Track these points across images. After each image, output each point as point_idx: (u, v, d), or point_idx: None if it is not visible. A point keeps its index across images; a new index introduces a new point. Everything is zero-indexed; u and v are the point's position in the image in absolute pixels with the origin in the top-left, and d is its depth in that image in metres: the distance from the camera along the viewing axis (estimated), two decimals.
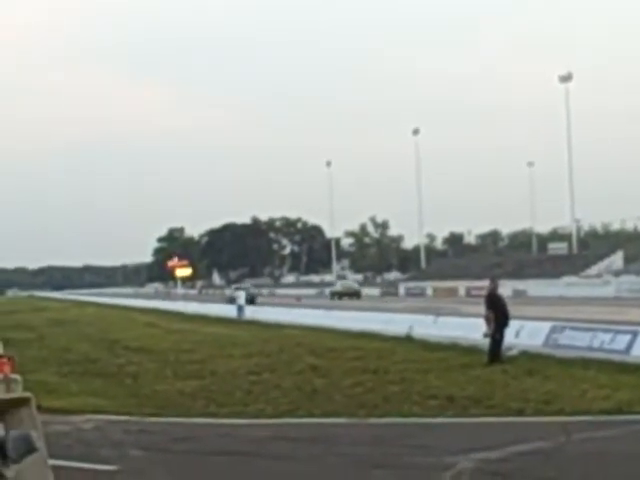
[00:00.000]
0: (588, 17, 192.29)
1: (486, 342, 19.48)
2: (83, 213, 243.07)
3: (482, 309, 20.02)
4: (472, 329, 22.44)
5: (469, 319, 26.17)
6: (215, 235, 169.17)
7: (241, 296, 48.06)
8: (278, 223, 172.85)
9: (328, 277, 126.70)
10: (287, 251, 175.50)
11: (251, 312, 44.61)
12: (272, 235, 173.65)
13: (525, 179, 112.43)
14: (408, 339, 25.29)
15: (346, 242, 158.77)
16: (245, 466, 10.39)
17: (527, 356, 19.47)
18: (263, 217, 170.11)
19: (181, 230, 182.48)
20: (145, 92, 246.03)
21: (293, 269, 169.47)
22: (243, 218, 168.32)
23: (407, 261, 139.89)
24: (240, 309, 45.79)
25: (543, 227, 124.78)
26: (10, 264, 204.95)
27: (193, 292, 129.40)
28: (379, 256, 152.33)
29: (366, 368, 19.11)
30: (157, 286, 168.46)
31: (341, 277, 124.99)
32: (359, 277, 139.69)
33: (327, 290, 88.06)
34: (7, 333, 28.56)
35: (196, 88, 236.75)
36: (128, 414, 14.19)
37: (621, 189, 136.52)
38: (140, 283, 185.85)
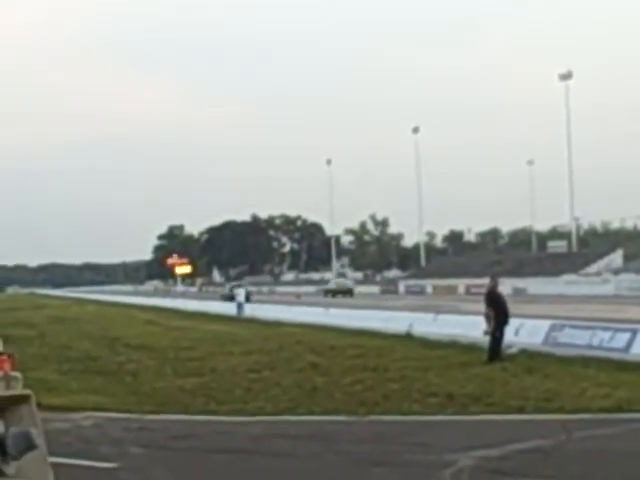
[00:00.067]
0: (588, 16, 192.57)
1: (486, 340, 19.48)
2: (83, 211, 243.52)
3: (482, 307, 20.02)
4: (472, 327, 22.43)
5: (469, 317, 26.16)
6: (215, 233, 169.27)
7: (241, 294, 48.07)
8: (278, 221, 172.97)
9: (328, 275, 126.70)
10: (287, 249, 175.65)
11: (251, 310, 44.61)
12: (272, 233, 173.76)
13: (525, 177, 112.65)
14: (408, 337, 25.29)
15: (346, 240, 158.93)
16: (245, 463, 10.39)
17: (527, 354, 19.46)
18: (263, 215, 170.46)
19: (181, 228, 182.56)
20: (146, 91, 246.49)
21: (293, 267, 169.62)
22: (243, 216, 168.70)
23: (407, 259, 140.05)
24: (240, 307, 45.79)
25: (543, 225, 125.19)
26: (11, 261, 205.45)
27: (193, 290, 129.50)
28: (379, 254, 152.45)
29: (366, 366, 19.11)
30: (157, 284, 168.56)
31: (341, 275, 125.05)
32: (359, 275, 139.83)
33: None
34: (7, 330, 28.56)
35: (196, 87, 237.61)
36: (128, 411, 14.19)
37: (621, 188, 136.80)
38: (140, 281, 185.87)
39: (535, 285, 68.09)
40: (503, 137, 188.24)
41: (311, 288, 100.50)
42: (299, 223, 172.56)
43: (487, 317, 19.41)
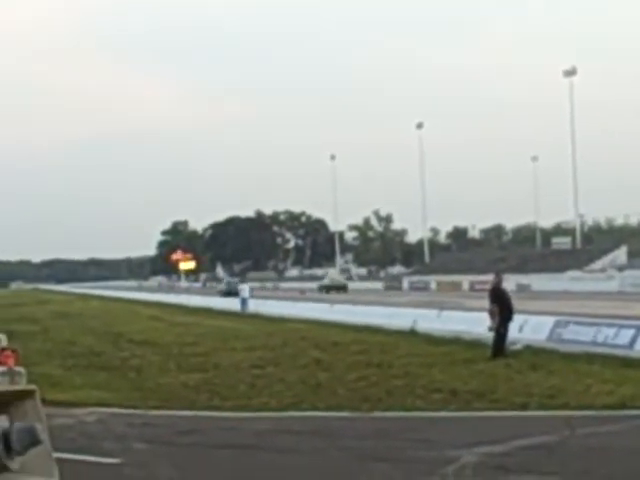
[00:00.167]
0: (592, 11, 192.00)
1: (490, 336, 19.46)
2: (87, 207, 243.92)
3: (486, 303, 20.00)
4: (476, 323, 22.43)
5: (473, 313, 26.15)
6: (219, 228, 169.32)
7: (245, 289, 48.09)
8: (282, 217, 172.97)
9: (331, 271, 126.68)
10: (291, 245, 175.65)
11: (255, 305, 44.63)
12: (276, 229, 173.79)
13: (529, 174, 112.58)
14: (412, 333, 25.29)
15: (350, 236, 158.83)
16: (249, 459, 10.40)
17: (531, 350, 19.46)
18: (267, 211, 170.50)
19: (185, 223, 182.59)
20: (149, 88, 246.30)
21: (297, 263, 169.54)
22: (247, 212, 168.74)
23: (411, 255, 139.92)
24: (244, 302, 45.79)
25: (547, 222, 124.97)
26: (14, 257, 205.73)
27: (197, 285, 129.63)
28: (383, 250, 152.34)
29: (370, 362, 19.12)
30: (161, 279, 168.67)
31: (345, 271, 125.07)
32: (363, 271, 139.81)
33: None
34: (11, 325, 28.63)
35: (200, 83, 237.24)
36: (132, 407, 14.21)
37: (625, 184, 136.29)
38: (144, 276, 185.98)
39: (539, 281, 68.04)
40: (507, 133, 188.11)
41: (315, 284, 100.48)
42: (303, 219, 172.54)
43: (491, 313, 19.39)
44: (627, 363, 16.79)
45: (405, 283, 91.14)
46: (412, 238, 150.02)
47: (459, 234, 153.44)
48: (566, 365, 17.04)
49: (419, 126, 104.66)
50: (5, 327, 19.74)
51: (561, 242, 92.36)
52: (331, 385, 15.96)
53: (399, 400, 14.00)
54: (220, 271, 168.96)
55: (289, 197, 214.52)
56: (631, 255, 79.13)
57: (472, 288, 68.33)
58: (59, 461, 3.64)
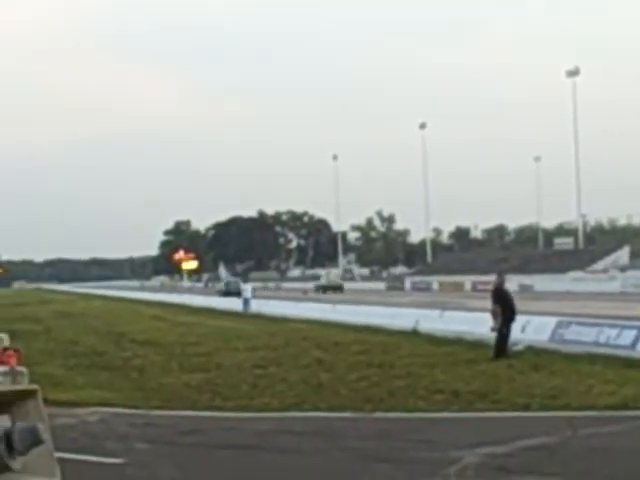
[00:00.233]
0: (593, 11, 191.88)
1: (492, 337, 19.45)
2: (90, 207, 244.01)
3: (488, 304, 20.01)
4: (478, 324, 22.43)
5: (475, 314, 26.16)
6: (221, 228, 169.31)
7: (247, 289, 48.09)
8: (284, 217, 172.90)
9: (334, 271, 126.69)
10: (293, 245, 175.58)
11: (257, 305, 44.64)
12: (278, 229, 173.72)
13: (532, 174, 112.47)
14: (414, 333, 25.28)
15: (352, 236, 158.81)
16: (250, 459, 10.40)
17: (533, 351, 19.45)
18: (269, 211, 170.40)
19: (187, 223, 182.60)
20: (149, 88, 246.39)
21: (299, 263, 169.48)
22: (249, 211, 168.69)
23: (413, 255, 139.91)
24: (246, 302, 45.80)
25: (549, 222, 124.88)
26: (17, 256, 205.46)
27: (199, 285, 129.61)
28: (385, 250, 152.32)
29: (372, 362, 19.12)
30: (163, 279, 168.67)
31: (347, 271, 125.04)
32: (365, 271, 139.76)
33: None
34: (14, 325, 28.65)
35: (200, 83, 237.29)
36: (134, 407, 14.21)
37: (628, 184, 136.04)
38: (146, 276, 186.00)
39: (541, 282, 67.98)
40: (509, 133, 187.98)
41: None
42: (306, 219, 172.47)
43: (494, 314, 19.39)
44: (629, 364, 16.79)
45: (407, 283, 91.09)
46: (414, 238, 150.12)
47: (461, 234, 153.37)
48: (568, 366, 17.03)
49: (422, 126, 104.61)
50: (7, 327, 19.77)
51: (563, 242, 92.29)
52: (333, 385, 15.96)
53: (401, 400, 14.00)
54: (222, 271, 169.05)
55: (291, 197, 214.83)
56: (633, 256, 79.08)
57: (474, 288, 68.30)
58: (61, 461, 3.64)
